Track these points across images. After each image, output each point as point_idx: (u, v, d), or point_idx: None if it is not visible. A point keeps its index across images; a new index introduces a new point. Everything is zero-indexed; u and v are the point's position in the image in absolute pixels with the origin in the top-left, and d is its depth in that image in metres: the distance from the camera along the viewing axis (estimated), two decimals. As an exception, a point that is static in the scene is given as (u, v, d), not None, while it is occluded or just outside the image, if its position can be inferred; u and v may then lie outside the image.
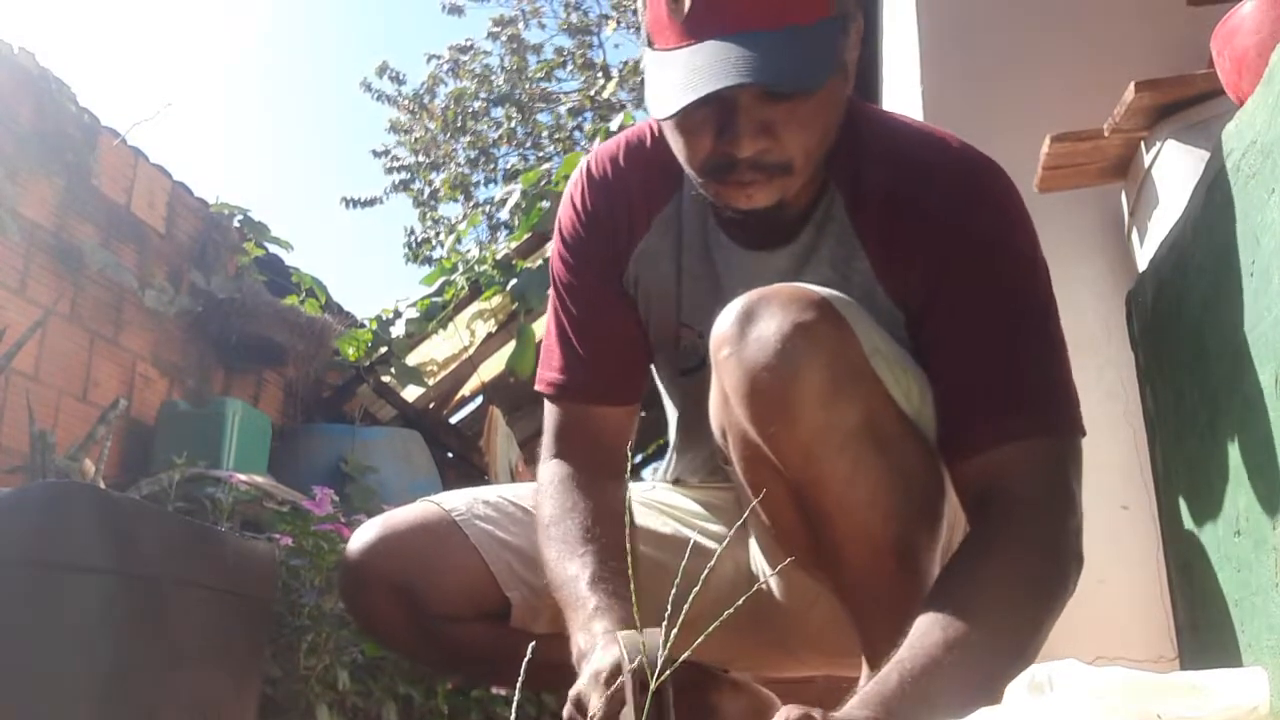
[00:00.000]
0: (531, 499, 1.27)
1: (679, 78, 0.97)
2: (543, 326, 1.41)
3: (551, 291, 1.29)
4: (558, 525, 1.15)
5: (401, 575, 1.24)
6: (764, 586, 1.18)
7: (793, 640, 1.28)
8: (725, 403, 1.03)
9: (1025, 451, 1.01)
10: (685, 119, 1.02)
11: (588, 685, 0.93)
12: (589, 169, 1.25)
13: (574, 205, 1.25)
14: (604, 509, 1.15)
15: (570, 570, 1.09)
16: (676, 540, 1.26)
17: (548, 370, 1.27)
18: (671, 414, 1.37)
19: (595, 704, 0.90)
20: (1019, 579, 0.97)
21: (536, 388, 1.29)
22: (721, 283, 1.18)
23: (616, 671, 0.89)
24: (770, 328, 0.96)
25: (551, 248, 1.30)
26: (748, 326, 0.97)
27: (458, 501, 1.31)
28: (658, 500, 1.34)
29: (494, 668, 1.28)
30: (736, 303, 1.00)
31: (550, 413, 1.27)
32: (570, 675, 1.23)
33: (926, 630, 0.91)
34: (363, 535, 1.29)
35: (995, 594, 0.95)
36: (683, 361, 1.25)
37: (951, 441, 1.04)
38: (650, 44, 1.04)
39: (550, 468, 1.22)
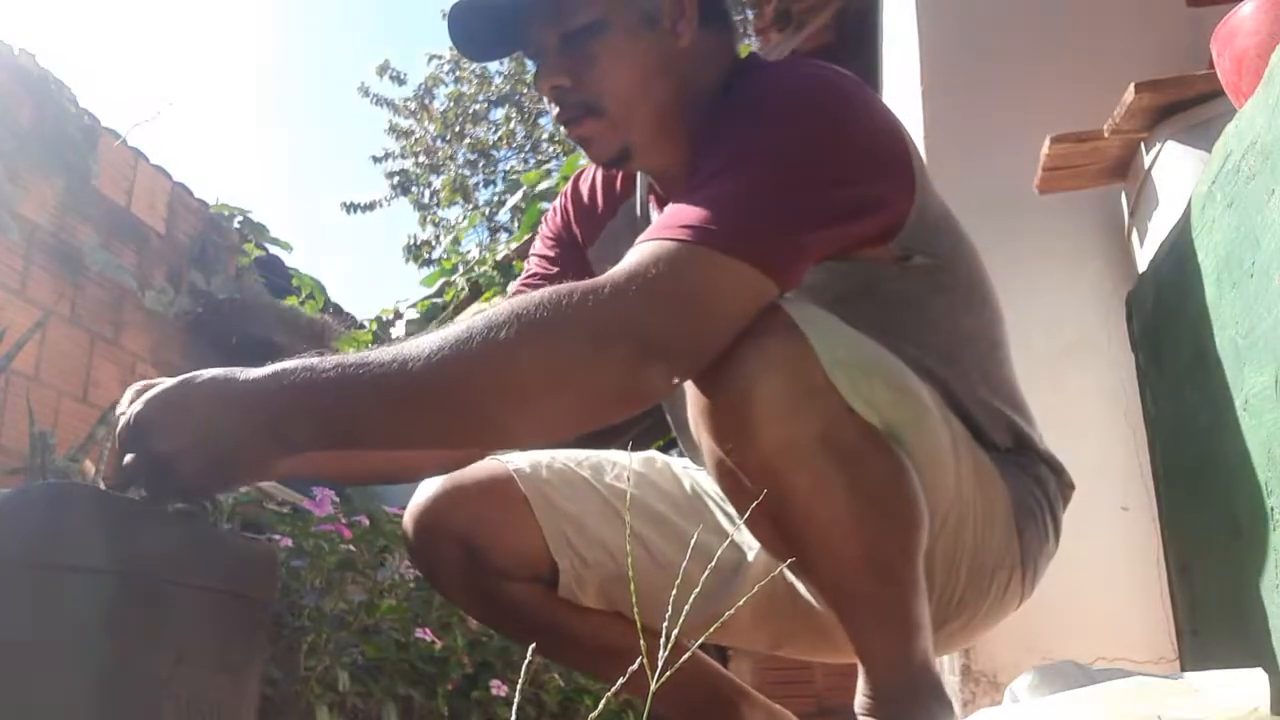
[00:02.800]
0: (593, 461, 1.33)
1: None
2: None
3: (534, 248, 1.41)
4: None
5: (463, 528, 1.26)
6: (781, 578, 1.17)
7: (825, 627, 1.28)
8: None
9: (647, 247, 0.94)
10: (535, 79, 1.17)
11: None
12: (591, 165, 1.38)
13: (572, 181, 1.39)
14: None
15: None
16: (722, 531, 1.28)
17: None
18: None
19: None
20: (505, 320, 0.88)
21: None
22: None
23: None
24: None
25: None
26: None
27: (523, 461, 1.33)
28: (710, 489, 1.34)
29: (536, 635, 1.30)
30: None
31: None
32: (610, 658, 1.27)
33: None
34: (429, 487, 1.30)
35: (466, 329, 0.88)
36: None
37: None
38: None
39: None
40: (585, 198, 1.36)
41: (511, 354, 0.88)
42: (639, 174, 1.30)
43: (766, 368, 0.95)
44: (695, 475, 1.37)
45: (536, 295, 0.90)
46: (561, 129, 1.18)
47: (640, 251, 0.94)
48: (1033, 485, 1.21)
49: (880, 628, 1.01)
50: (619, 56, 1.12)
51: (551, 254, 1.37)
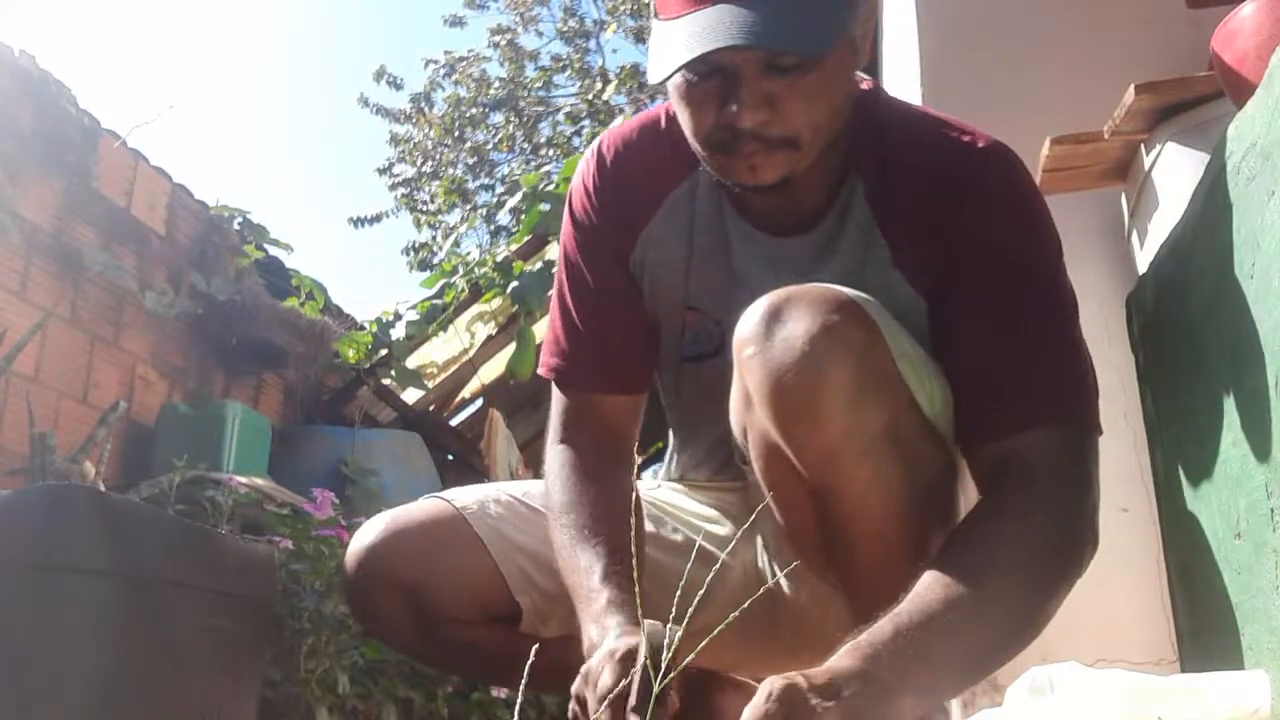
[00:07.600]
0: (542, 495, 1.26)
1: (680, 41, 0.96)
2: (543, 329, 1.40)
3: (559, 274, 1.27)
4: (569, 513, 1.14)
5: (410, 576, 1.22)
6: (774, 588, 1.17)
7: (806, 643, 1.26)
8: (747, 402, 1.02)
9: (1045, 435, 1.00)
10: (690, 90, 1.02)
11: (600, 662, 0.92)
12: (600, 149, 1.24)
13: (585, 186, 1.23)
14: (614, 498, 1.12)
15: (583, 560, 1.08)
16: (686, 547, 1.23)
17: (551, 356, 1.26)
18: (671, 407, 1.35)
19: (606, 680, 0.89)
20: (1031, 545, 0.95)
21: (539, 371, 1.28)
22: (735, 268, 1.17)
23: (631, 654, 0.89)
24: (798, 329, 0.94)
25: (556, 244, 1.31)
26: (774, 326, 0.96)
27: (469, 499, 1.28)
28: (664, 501, 1.32)
29: (501, 671, 1.27)
30: (761, 302, 0.98)
31: (556, 397, 1.25)
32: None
33: (929, 586, 0.90)
34: (369, 532, 1.25)
35: (1005, 558, 0.94)
36: (689, 349, 1.23)
37: (971, 425, 1.04)
38: (657, 15, 1.03)
39: (558, 453, 1.21)
40: (615, 197, 1.21)
41: (1056, 593, 0.97)
42: (703, 174, 1.17)
43: (842, 354, 0.94)
44: (654, 495, 1.33)
45: (1024, 539, 0.96)
46: (719, 159, 1.05)
47: (1051, 446, 1.00)
48: None
49: None
50: (827, 89, 1.02)
51: (594, 301, 1.23)
